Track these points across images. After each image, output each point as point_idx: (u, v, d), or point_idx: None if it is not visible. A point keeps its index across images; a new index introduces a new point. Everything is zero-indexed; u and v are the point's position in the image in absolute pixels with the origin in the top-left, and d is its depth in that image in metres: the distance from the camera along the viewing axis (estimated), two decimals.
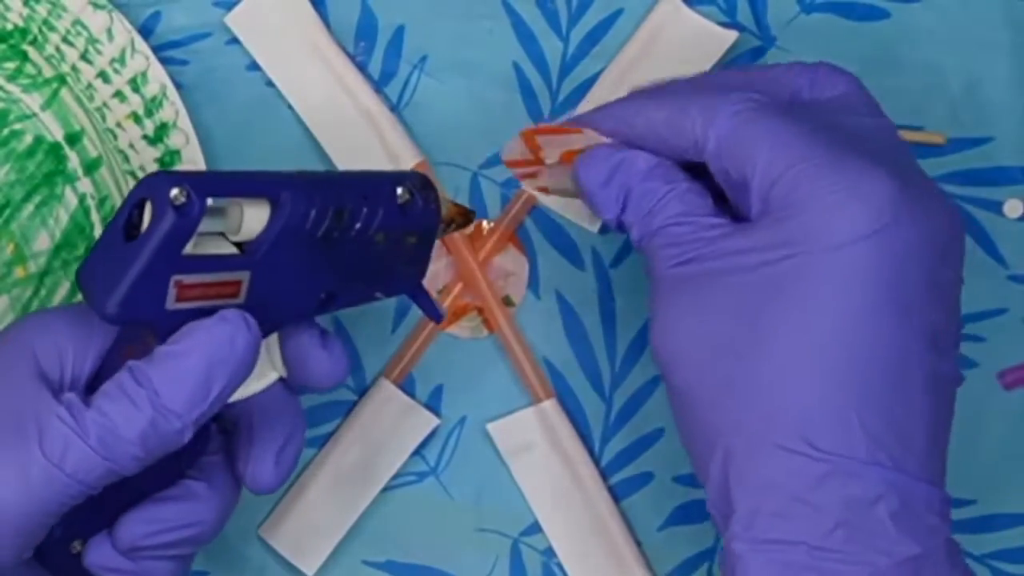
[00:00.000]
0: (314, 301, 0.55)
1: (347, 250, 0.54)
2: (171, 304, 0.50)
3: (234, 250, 0.52)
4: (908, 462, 0.50)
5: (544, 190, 0.60)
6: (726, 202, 0.54)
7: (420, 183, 0.56)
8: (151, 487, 0.54)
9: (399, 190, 0.55)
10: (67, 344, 0.52)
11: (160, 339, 0.51)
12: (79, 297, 0.63)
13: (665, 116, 0.54)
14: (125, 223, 0.50)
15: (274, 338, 0.54)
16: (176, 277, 0.50)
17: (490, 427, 0.65)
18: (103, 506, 0.52)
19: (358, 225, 0.54)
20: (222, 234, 0.52)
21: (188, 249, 0.50)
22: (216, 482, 0.55)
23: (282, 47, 0.65)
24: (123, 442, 0.49)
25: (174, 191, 0.49)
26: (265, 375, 0.54)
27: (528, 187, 0.61)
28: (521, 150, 0.60)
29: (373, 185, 0.55)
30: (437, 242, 0.60)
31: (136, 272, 0.49)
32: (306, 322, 0.56)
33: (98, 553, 0.53)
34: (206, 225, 0.50)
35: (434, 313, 0.60)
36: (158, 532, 0.53)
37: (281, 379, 0.55)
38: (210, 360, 0.50)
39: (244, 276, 0.52)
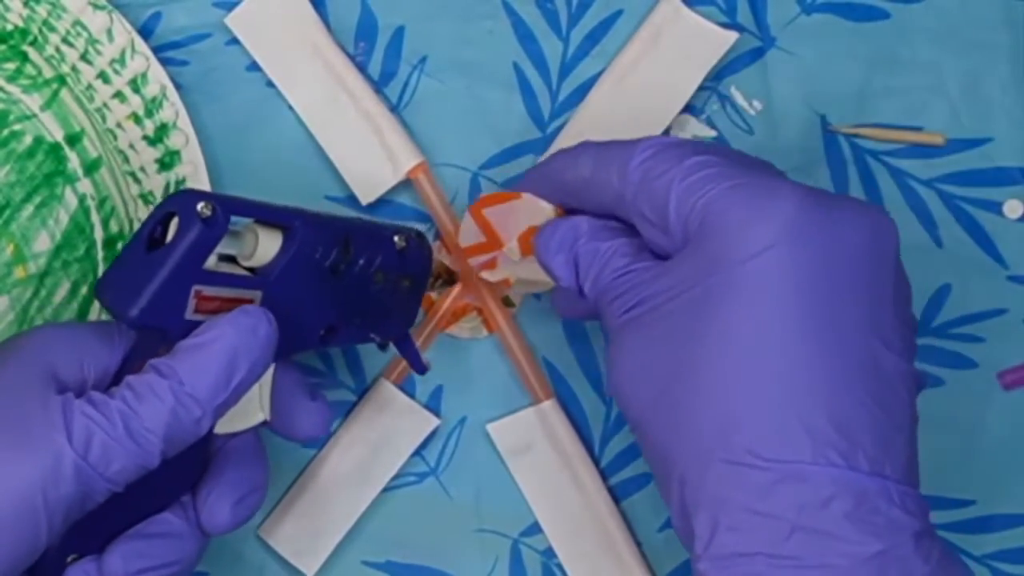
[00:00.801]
0: (316, 334, 0.57)
1: (350, 285, 0.58)
2: (190, 314, 0.52)
3: (244, 274, 0.55)
4: (858, 459, 0.49)
5: (506, 283, 0.61)
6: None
7: (416, 235, 0.60)
8: (148, 508, 0.54)
9: (396, 237, 0.59)
10: (87, 356, 0.53)
11: None
12: (79, 298, 0.63)
13: (588, 172, 0.56)
14: (148, 237, 0.52)
15: (267, 380, 0.56)
16: (197, 287, 0.52)
17: (490, 427, 0.65)
18: (100, 523, 0.53)
19: (361, 261, 0.58)
20: (234, 260, 0.55)
21: (208, 265, 0.52)
22: (193, 521, 0.56)
23: (282, 48, 0.65)
24: (148, 432, 0.50)
25: (200, 204, 0.52)
26: (252, 415, 0.56)
27: (489, 278, 0.62)
28: (475, 230, 0.61)
29: (374, 229, 0.59)
30: (438, 243, 0.64)
31: (163, 277, 0.51)
32: (299, 372, 0.58)
33: None
34: (224, 245, 0.53)
35: (418, 365, 0.63)
36: (148, 569, 0.54)
37: (264, 423, 0.57)
38: (234, 349, 0.52)
39: (256, 296, 0.54)
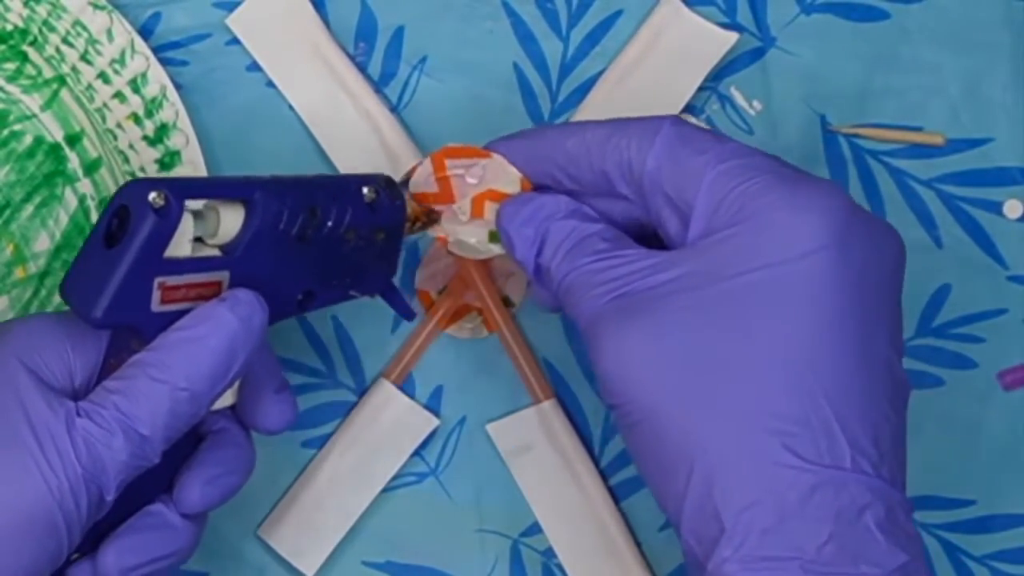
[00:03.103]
0: (293, 301, 0.56)
1: (321, 248, 0.56)
2: (156, 306, 0.52)
3: (215, 252, 0.54)
4: (883, 469, 0.50)
5: (442, 240, 0.60)
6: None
7: (385, 183, 0.58)
8: (143, 498, 0.54)
9: (365, 189, 0.57)
10: (75, 351, 0.53)
11: (147, 342, 0.52)
12: None
13: (604, 134, 0.54)
14: (105, 232, 0.51)
15: None
16: (160, 279, 0.51)
17: (490, 427, 0.65)
18: (99, 520, 0.52)
19: (329, 223, 0.56)
20: (200, 240, 0.53)
21: (170, 252, 0.51)
22: None
23: (282, 48, 0.66)
24: (148, 437, 0.50)
25: (152, 195, 0.50)
26: (224, 398, 0.55)
27: (431, 232, 0.61)
28: (429, 179, 0.60)
29: (341, 185, 0.57)
30: (437, 243, 0.62)
31: (121, 274, 0.50)
32: (270, 364, 0.57)
33: None
34: (185, 229, 0.51)
35: (406, 311, 0.61)
36: (143, 564, 0.53)
37: (232, 409, 0.56)
38: (231, 339, 0.52)
39: (224, 276, 0.53)
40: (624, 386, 0.52)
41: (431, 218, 0.60)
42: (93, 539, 0.53)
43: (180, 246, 0.52)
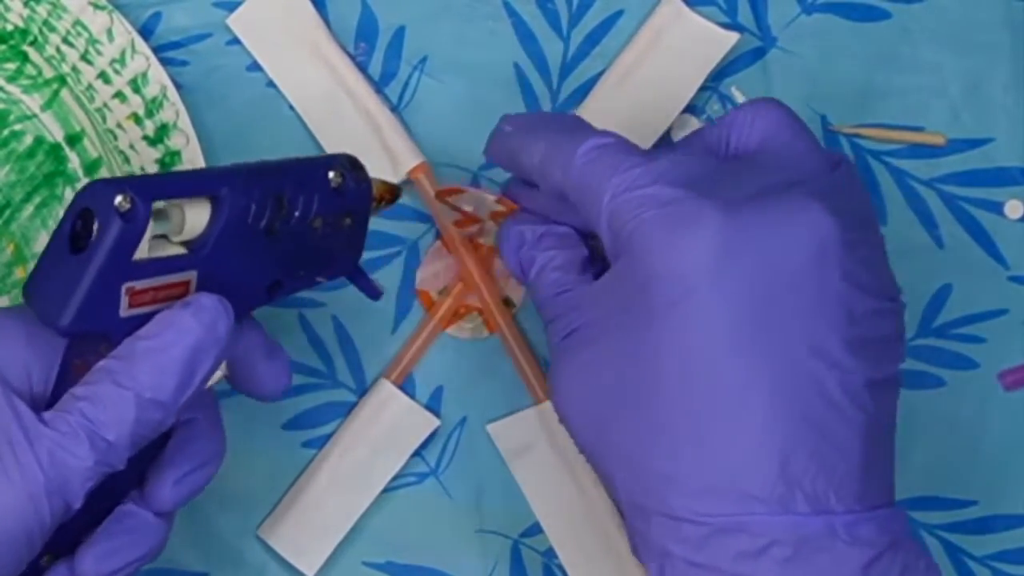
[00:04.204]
0: (260, 294, 0.55)
1: (288, 238, 0.55)
2: (124, 311, 0.50)
3: (180, 250, 0.52)
4: (797, 501, 0.49)
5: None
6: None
7: (350, 164, 0.57)
8: (115, 499, 0.54)
9: (331, 174, 0.56)
10: (31, 357, 0.51)
11: (115, 346, 0.51)
12: None
13: (538, 159, 0.55)
14: (69, 234, 0.49)
15: None
16: (128, 284, 0.50)
17: (490, 428, 0.65)
18: (70, 522, 0.51)
19: (297, 213, 0.54)
20: (164, 236, 0.52)
21: (136, 255, 0.50)
22: None
23: (283, 48, 0.66)
24: (114, 445, 0.49)
25: (118, 198, 0.48)
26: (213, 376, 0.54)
27: (484, 242, 0.62)
28: (447, 210, 0.61)
29: (307, 172, 0.55)
30: (438, 243, 0.62)
31: (88, 283, 0.49)
32: (255, 329, 0.56)
33: None
34: (152, 227, 0.50)
35: (371, 291, 0.60)
36: (121, 568, 0.53)
37: (225, 377, 0.55)
38: (195, 347, 0.50)
39: (192, 276, 0.52)
40: (564, 423, 0.54)
41: (395, 196, 0.59)
42: (65, 538, 0.52)
43: (141, 247, 0.50)
